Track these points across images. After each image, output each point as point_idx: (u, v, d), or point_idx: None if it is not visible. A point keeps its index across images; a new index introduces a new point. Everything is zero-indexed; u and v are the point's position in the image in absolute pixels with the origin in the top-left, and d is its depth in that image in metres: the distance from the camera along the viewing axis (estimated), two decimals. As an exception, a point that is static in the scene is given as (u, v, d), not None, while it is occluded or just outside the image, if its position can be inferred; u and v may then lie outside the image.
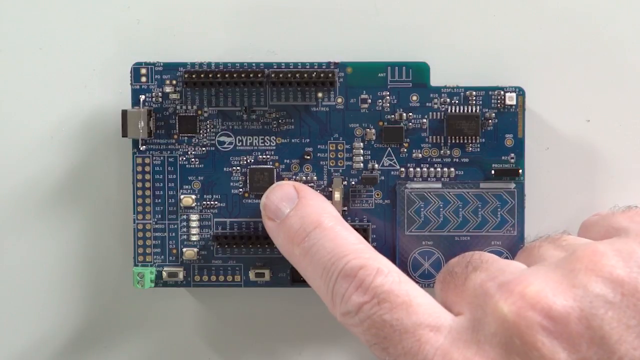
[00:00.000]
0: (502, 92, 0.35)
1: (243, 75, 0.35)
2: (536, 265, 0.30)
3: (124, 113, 0.35)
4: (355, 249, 0.31)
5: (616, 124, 0.37)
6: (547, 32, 0.36)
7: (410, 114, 0.35)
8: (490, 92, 0.35)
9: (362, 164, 0.36)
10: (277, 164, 0.36)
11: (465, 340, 0.28)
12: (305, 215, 0.33)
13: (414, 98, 0.35)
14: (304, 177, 0.36)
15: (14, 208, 0.37)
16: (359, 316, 0.30)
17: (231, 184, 0.36)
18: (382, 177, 0.36)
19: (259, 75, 0.35)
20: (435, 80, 0.35)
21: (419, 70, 0.35)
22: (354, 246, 0.31)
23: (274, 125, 0.36)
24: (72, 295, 0.37)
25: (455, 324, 0.29)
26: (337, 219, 0.33)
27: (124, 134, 0.35)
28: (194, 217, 0.36)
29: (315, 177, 0.36)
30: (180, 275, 0.36)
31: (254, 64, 0.35)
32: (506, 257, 0.35)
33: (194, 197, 0.36)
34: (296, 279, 0.36)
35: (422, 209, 0.35)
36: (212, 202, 0.36)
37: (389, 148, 0.36)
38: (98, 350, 0.38)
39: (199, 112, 0.36)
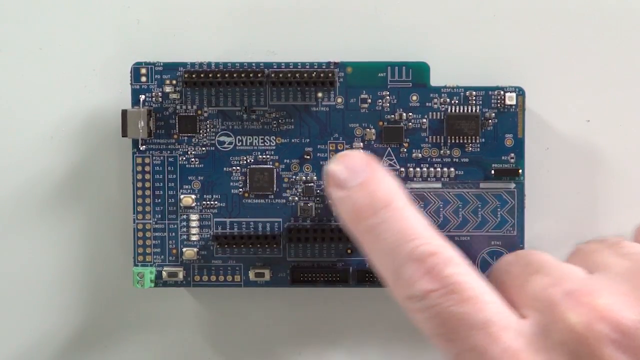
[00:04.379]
0: (502, 92, 0.35)
1: (243, 75, 0.35)
2: (599, 273, 0.30)
3: (124, 113, 0.35)
4: (426, 234, 0.30)
5: (616, 124, 0.37)
6: (547, 32, 0.36)
7: (410, 114, 0.35)
8: (490, 92, 0.35)
9: (362, 164, 0.36)
10: (277, 164, 0.36)
11: (533, 346, 0.28)
12: (377, 190, 0.31)
13: (414, 98, 0.35)
14: (304, 177, 0.36)
15: (14, 208, 0.37)
16: (424, 303, 0.29)
17: (231, 183, 0.36)
18: (382, 177, 0.36)
19: (259, 75, 0.35)
20: (435, 80, 0.35)
21: (419, 70, 0.35)
22: (425, 231, 0.30)
23: (274, 125, 0.36)
24: (72, 295, 0.37)
25: (522, 328, 0.28)
26: (407, 201, 0.31)
27: (124, 134, 0.35)
28: (193, 217, 0.36)
29: (315, 177, 0.36)
30: (180, 275, 0.36)
31: (254, 64, 0.35)
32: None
33: (194, 197, 0.36)
34: (296, 279, 0.36)
35: (422, 209, 0.35)
36: (212, 202, 0.36)
37: (389, 148, 0.36)
38: (98, 350, 0.38)
39: (199, 112, 0.36)
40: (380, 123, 0.36)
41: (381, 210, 0.31)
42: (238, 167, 0.36)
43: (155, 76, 0.36)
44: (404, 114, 0.35)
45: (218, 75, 0.35)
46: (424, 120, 0.35)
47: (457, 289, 0.29)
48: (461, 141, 0.35)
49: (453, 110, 0.35)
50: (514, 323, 0.28)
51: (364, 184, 0.32)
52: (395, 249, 0.30)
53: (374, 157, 0.33)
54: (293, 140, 0.36)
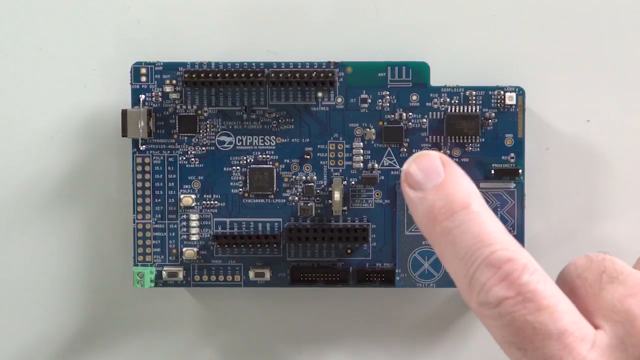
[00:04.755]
0: (502, 92, 0.35)
1: (243, 75, 0.35)
2: None
3: (124, 113, 0.35)
4: (502, 239, 0.29)
5: (616, 124, 0.37)
6: (547, 32, 0.36)
7: (410, 113, 0.35)
8: (490, 92, 0.35)
9: (362, 164, 0.36)
10: (277, 164, 0.36)
11: (608, 358, 0.27)
12: (454, 193, 0.31)
13: (414, 98, 0.35)
14: (303, 177, 0.36)
15: (14, 208, 0.37)
16: (499, 310, 0.28)
17: (231, 183, 0.36)
18: (382, 177, 0.36)
19: (259, 75, 0.35)
20: (435, 80, 0.35)
21: (419, 70, 0.35)
22: (501, 236, 0.30)
23: (274, 125, 0.36)
24: (72, 295, 0.37)
25: (597, 339, 0.28)
26: (484, 204, 0.31)
27: (124, 134, 0.35)
28: (193, 217, 0.36)
29: (315, 177, 0.36)
30: (180, 275, 0.36)
31: (254, 64, 0.35)
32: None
33: (193, 196, 0.36)
34: (296, 279, 0.36)
35: (422, 209, 0.35)
36: (212, 202, 0.36)
37: (389, 148, 0.36)
38: (98, 350, 0.38)
39: (199, 111, 0.36)
40: (380, 123, 0.36)
41: (457, 213, 0.30)
42: (238, 167, 0.36)
43: (155, 76, 0.36)
44: (404, 114, 0.35)
45: (218, 75, 0.35)
46: (424, 120, 0.35)
47: (533, 297, 0.28)
48: (461, 141, 0.35)
49: (453, 110, 0.35)
50: (590, 334, 0.28)
51: (440, 186, 0.31)
52: (470, 253, 0.29)
53: (450, 159, 0.32)
54: (293, 140, 0.36)
